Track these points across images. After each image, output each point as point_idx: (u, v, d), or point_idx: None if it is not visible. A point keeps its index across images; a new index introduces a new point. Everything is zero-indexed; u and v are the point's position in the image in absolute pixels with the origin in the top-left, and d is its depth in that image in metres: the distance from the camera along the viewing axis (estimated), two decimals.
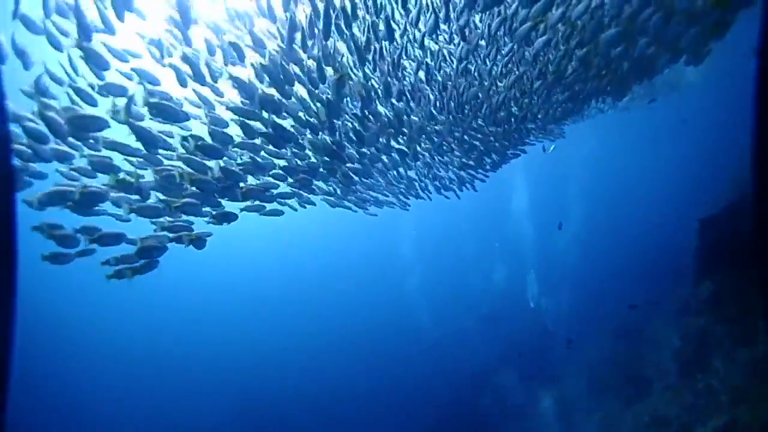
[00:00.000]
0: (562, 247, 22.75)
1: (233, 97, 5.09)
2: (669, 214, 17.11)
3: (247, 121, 4.92)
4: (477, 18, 5.61)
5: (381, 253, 29.44)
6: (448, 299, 24.55)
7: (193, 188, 4.65)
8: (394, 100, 5.88)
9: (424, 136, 6.72)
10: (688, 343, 9.58)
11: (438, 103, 6.41)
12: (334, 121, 5.42)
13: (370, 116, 5.86)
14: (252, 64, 4.86)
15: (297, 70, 4.97)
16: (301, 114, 5.29)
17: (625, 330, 11.88)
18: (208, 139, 4.64)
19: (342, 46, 5.29)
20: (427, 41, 5.61)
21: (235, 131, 5.01)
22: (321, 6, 4.48)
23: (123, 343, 25.63)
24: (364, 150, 6.09)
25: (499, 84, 6.57)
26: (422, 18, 5.24)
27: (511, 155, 8.42)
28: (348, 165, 5.97)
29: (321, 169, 5.81)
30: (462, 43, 5.56)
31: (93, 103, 4.51)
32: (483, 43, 5.82)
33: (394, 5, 5.10)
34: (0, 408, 1.01)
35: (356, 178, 6.41)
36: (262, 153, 5.27)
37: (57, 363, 23.37)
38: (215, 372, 22.34)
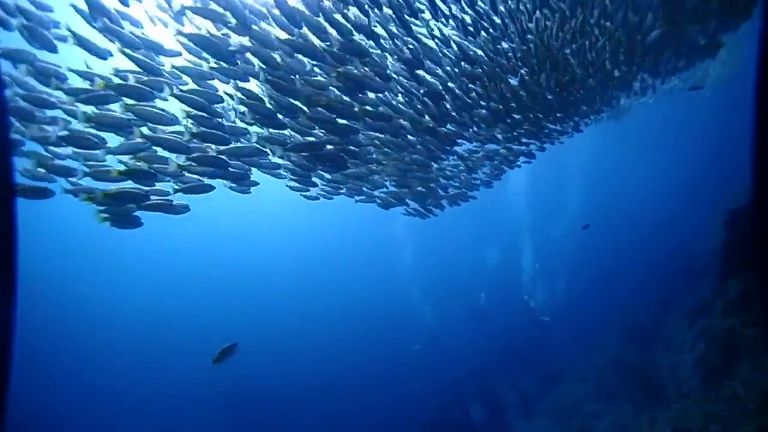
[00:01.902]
0: (567, 236, 21.72)
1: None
2: (687, 207, 16.25)
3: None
4: None
5: (374, 234, 28.28)
6: (441, 287, 23.77)
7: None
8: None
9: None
10: (711, 346, 8.67)
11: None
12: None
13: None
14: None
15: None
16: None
17: (638, 331, 10.94)
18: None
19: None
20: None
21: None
22: None
23: (119, 324, 24.52)
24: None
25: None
26: None
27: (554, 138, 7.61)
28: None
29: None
30: None
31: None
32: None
33: None
34: (0, 407, 0.92)
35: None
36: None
37: (50, 341, 22.18)
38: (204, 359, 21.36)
